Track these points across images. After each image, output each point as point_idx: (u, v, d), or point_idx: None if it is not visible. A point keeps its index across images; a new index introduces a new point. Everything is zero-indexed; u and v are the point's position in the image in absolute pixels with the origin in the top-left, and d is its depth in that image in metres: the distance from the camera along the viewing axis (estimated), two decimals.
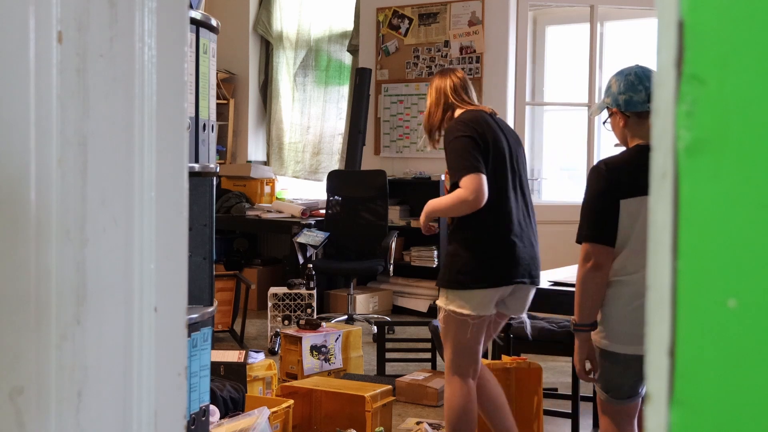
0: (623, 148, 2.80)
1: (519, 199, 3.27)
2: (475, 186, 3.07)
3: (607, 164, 2.71)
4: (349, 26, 8.10)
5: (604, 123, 2.85)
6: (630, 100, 2.68)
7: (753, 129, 0.58)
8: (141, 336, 1.16)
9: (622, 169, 2.68)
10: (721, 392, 0.59)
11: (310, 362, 5.08)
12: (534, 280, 3.27)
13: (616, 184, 2.65)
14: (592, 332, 2.75)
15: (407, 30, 7.51)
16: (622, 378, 2.75)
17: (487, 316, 3.22)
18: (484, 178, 3.10)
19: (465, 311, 3.16)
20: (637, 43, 6.95)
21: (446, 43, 7.29)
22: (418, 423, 4.16)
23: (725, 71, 0.59)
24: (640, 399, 2.81)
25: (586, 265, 2.71)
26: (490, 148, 3.18)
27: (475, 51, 7.15)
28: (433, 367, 5.24)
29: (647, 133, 2.67)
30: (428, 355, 5.30)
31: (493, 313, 3.25)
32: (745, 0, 0.58)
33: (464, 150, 3.13)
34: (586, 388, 4.72)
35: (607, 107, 2.77)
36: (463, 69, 7.21)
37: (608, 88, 2.76)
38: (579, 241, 2.75)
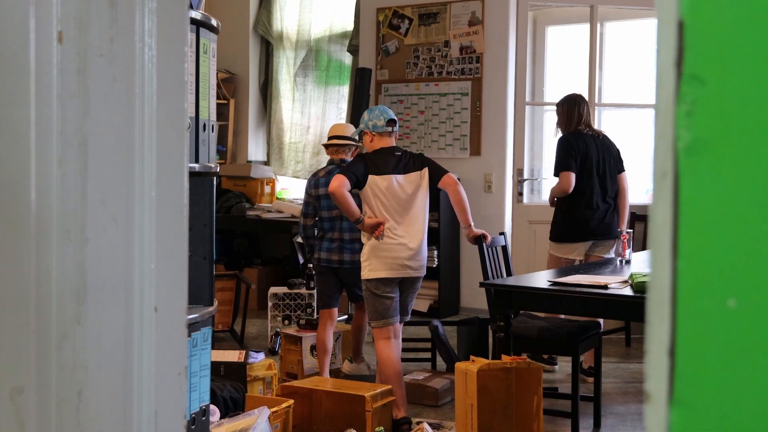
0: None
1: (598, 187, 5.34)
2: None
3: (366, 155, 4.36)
4: (349, 26, 8.10)
5: (360, 141, 4.50)
6: (375, 125, 4.30)
7: (753, 129, 0.58)
8: (141, 336, 1.16)
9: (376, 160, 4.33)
10: (721, 392, 0.59)
11: (310, 362, 5.08)
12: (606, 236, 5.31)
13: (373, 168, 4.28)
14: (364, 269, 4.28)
15: (407, 30, 7.50)
16: (378, 302, 4.25)
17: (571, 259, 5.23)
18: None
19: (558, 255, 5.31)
20: (637, 43, 6.95)
21: (446, 43, 7.29)
22: (418, 423, 4.16)
23: (725, 71, 0.59)
24: (397, 321, 4.32)
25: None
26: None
27: (475, 51, 7.15)
28: (433, 367, 5.24)
29: (386, 143, 4.32)
30: (428, 355, 5.29)
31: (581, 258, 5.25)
32: (745, 0, 0.58)
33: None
34: (586, 388, 4.71)
35: (363, 131, 4.37)
36: (462, 69, 7.21)
37: (362, 119, 4.37)
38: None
